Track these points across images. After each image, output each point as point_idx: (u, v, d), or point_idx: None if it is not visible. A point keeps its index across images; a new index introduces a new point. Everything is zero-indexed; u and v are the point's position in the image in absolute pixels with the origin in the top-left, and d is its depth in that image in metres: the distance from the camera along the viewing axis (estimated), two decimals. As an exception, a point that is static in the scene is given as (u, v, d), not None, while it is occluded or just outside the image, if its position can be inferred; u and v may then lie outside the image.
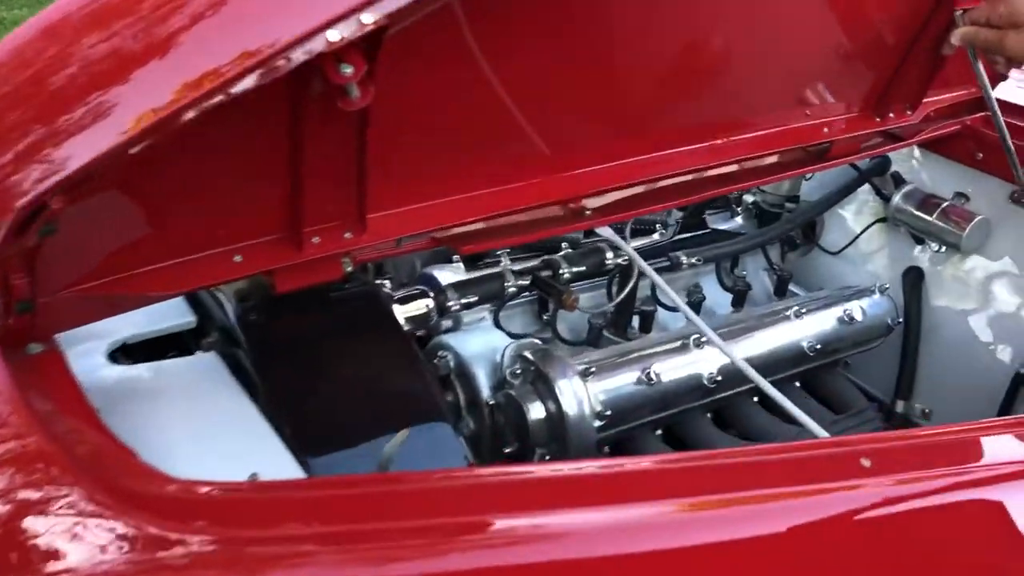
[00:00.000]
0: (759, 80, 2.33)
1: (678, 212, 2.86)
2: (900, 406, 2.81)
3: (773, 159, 2.51)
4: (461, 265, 2.43)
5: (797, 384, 2.63)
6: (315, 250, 1.76)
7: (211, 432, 1.57)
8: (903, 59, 2.47)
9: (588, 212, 2.16)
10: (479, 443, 2.20)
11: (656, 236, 2.80)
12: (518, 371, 2.12)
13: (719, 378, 2.27)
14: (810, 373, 2.63)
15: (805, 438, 2.35)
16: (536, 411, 2.06)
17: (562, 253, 2.34)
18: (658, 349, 2.26)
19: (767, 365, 2.42)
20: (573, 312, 2.20)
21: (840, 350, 2.59)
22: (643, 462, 1.52)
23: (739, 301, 2.73)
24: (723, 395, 2.33)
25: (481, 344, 2.23)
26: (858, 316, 2.56)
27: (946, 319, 2.79)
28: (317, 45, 1.33)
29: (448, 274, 2.41)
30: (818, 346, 2.48)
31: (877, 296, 2.66)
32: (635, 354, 2.23)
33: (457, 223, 1.96)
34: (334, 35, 1.34)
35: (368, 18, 1.35)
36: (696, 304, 2.60)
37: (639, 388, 2.18)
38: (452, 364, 2.21)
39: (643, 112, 2.19)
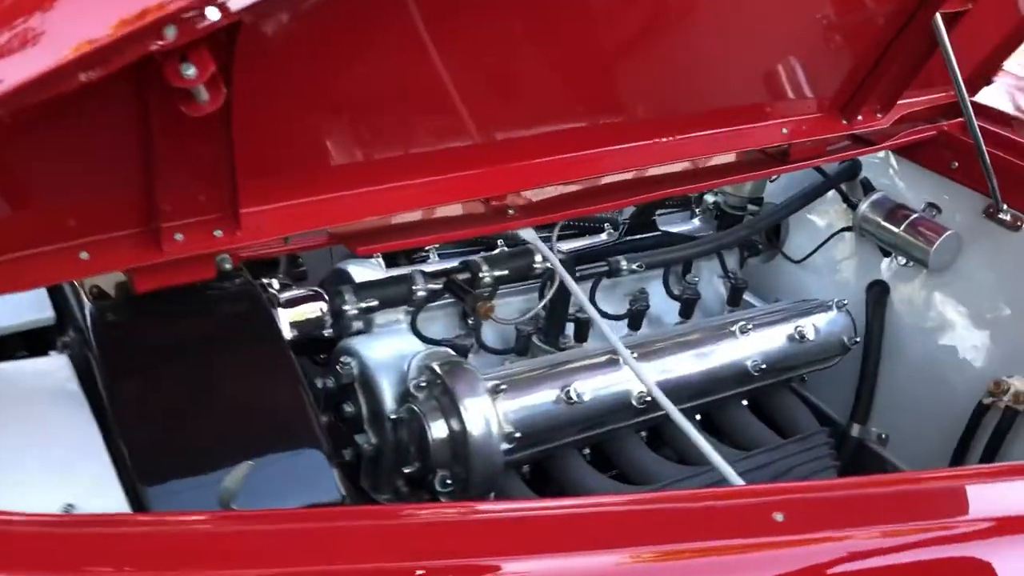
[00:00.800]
0: (715, 74, 2.13)
1: (629, 211, 2.66)
2: (856, 430, 2.62)
3: (727, 159, 2.31)
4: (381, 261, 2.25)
5: (744, 403, 2.45)
6: (178, 248, 1.56)
7: (36, 450, 1.39)
8: (879, 58, 2.25)
9: (512, 212, 1.97)
10: (380, 460, 2.02)
11: (603, 236, 2.61)
12: (423, 383, 1.94)
13: (649, 397, 2.08)
14: (759, 390, 2.45)
15: (741, 465, 2.18)
16: (438, 429, 1.88)
17: (483, 255, 2.14)
18: (582, 364, 2.08)
19: (705, 383, 2.24)
20: (487, 320, 2.01)
21: (790, 369, 2.40)
22: (504, 507, 1.34)
23: (687, 311, 2.54)
24: (655, 415, 2.15)
25: (391, 350, 2.05)
26: (810, 334, 2.37)
27: (910, 339, 2.59)
28: (150, 42, 1.14)
29: (367, 271, 2.22)
30: (763, 365, 2.29)
31: (834, 312, 2.46)
32: (556, 369, 2.04)
33: (354, 220, 1.77)
34: (171, 33, 1.14)
35: (214, 14, 1.16)
36: (639, 313, 2.41)
37: (557, 407, 2.00)
38: (356, 371, 2.02)
39: (581, 101, 1.98)
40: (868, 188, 2.68)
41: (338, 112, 1.64)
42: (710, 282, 2.72)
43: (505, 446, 1.90)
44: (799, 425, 2.44)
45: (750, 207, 2.86)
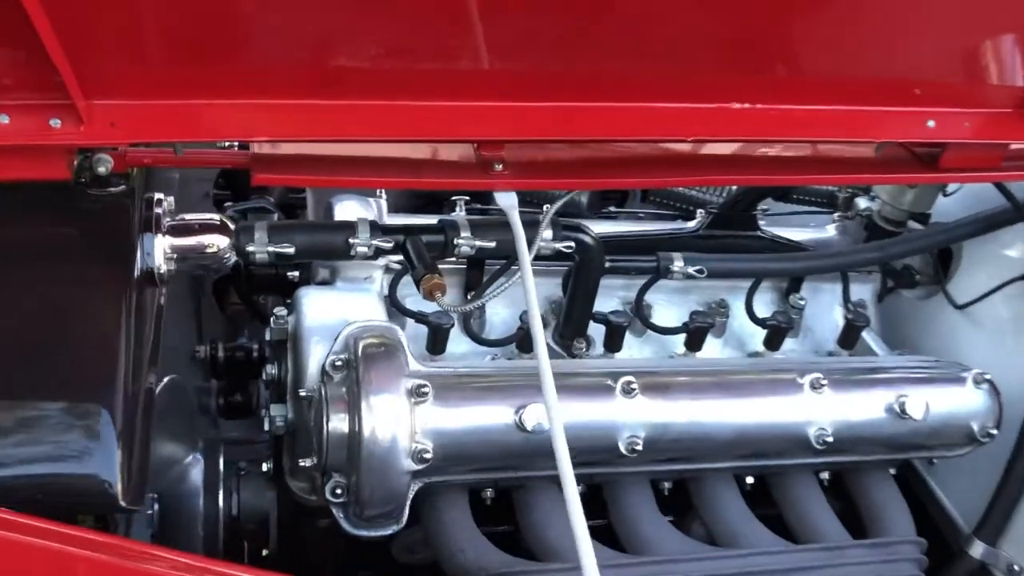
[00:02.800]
0: (834, 18, 1.51)
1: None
2: (978, 549, 1.91)
3: (834, 150, 1.68)
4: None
5: (823, 476, 1.84)
6: (5, 133, 1.24)
7: None
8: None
9: (500, 167, 1.48)
10: (295, 439, 1.64)
11: (691, 224, 2.05)
12: (339, 362, 1.53)
13: (638, 445, 1.56)
14: (846, 467, 1.84)
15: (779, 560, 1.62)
16: (338, 423, 1.47)
17: (467, 216, 1.66)
18: (563, 383, 1.57)
19: (740, 443, 1.67)
20: (431, 300, 1.54)
21: (881, 451, 1.76)
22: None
23: (773, 341, 1.93)
24: (649, 469, 1.62)
25: (339, 311, 1.65)
26: (917, 411, 1.71)
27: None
28: None
29: (363, 210, 1.83)
30: (831, 438, 1.67)
31: (968, 386, 1.78)
32: (518, 381, 1.56)
33: (256, 137, 1.37)
34: None
35: None
36: (697, 331, 1.85)
37: (505, 433, 1.52)
38: (291, 328, 1.65)
39: (616, 32, 1.45)
40: (1074, 228, 1.92)
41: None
42: (829, 310, 2.09)
43: (412, 466, 1.46)
44: (884, 525, 1.80)
45: (911, 224, 2.17)
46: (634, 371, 1.61)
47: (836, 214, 2.25)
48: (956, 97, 1.59)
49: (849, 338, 1.97)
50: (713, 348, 1.99)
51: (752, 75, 1.50)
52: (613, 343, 1.84)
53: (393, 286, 1.74)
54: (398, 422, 1.45)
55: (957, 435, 1.78)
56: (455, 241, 1.60)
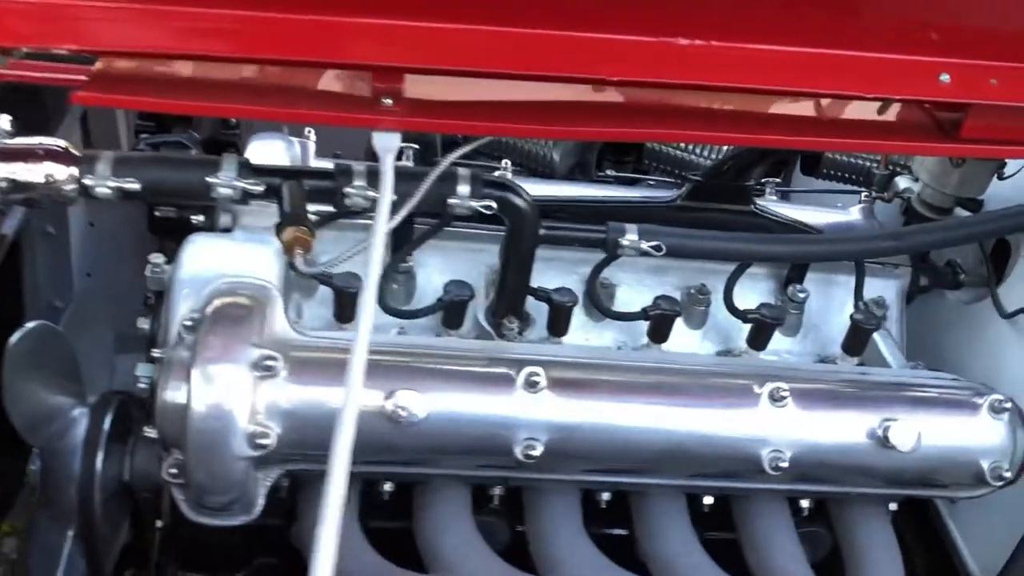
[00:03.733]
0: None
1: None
2: (991, 611, 1.56)
3: (830, 108, 1.35)
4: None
5: (805, 505, 1.54)
6: None
7: None
8: None
9: (390, 102, 1.23)
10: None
11: (668, 193, 1.74)
12: (189, 323, 1.31)
13: (535, 449, 1.29)
14: (828, 496, 1.53)
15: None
16: (172, 393, 1.26)
17: (369, 164, 1.39)
18: (457, 368, 1.32)
19: (672, 460, 1.38)
20: (295, 259, 1.29)
21: (858, 483, 1.44)
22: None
23: (757, 339, 1.61)
24: (549, 478, 1.36)
25: (223, 264, 1.43)
26: (904, 441, 1.37)
27: None
28: None
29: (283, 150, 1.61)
30: (785, 463, 1.36)
31: (982, 414, 1.43)
32: (397, 360, 1.31)
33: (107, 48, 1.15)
34: None
35: None
36: (661, 320, 1.54)
37: (372, 420, 1.27)
38: (167, 279, 1.44)
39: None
40: None
41: None
42: (841, 308, 1.75)
43: (247, 451, 1.23)
44: (861, 571, 1.48)
45: (958, 211, 1.80)
46: (544, 361, 1.33)
47: (869, 194, 1.90)
48: (979, 46, 1.23)
49: (855, 342, 1.63)
50: (690, 342, 1.68)
51: (704, 4, 1.19)
52: (557, 326, 1.56)
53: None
54: (235, 398, 1.22)
55: (960, 474, 1.44)
56: (345, 190, 1.35)
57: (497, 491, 1.49)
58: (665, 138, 1.74)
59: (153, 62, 1.22)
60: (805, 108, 1.37)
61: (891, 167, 1.92)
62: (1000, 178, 1.76)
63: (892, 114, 1.38)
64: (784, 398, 1.36)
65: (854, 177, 2.02)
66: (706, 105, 1.29)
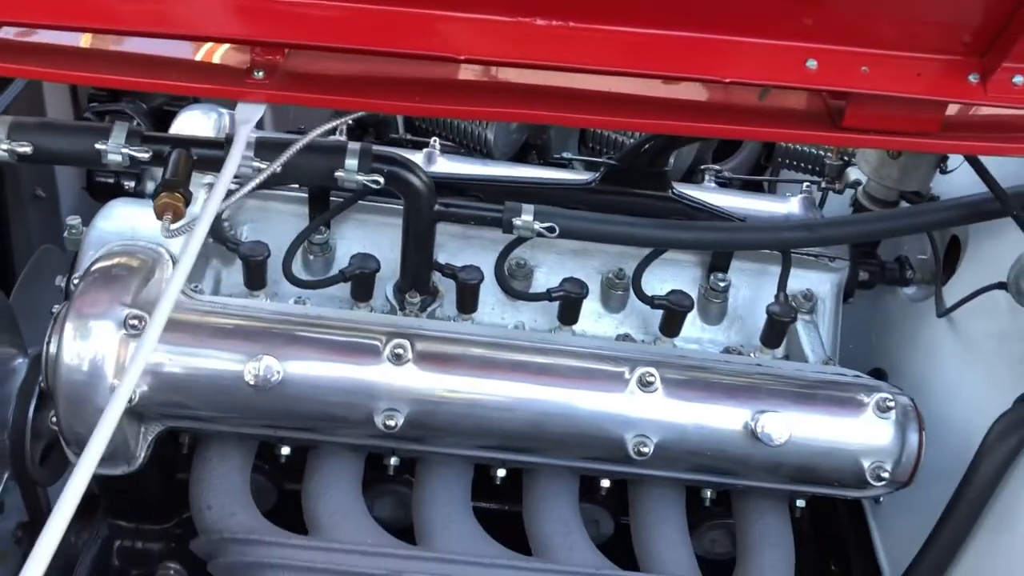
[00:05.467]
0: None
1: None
2: (893, 612, 1.52)
3: (714, 93, 1.32)
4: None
5: (708, 494, 1.53)
6: None
7: None
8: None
9: (260, 75, 1.26)
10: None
11: (585, 176, 1.73)
12: (77, 282, 1.38)
13: (394, 420, 1.32)
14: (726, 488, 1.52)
15: None
16: (51, 347, 1.33)
17: (260, 135, 1.41)
18: (314, 334, 1.35)
19: (537, 439, 1.39)
20: (163, 224, 1.33)
21: (725, 475, 1.43)
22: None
23: (669, 326, 1.59)
24: (414, 449, 1.39)
25: (134, 227, 1.50)
26: (775, 434, 1.35)
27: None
28: None
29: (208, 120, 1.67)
30: (647, 449, 1.35)
31: (868, 414, 1.39)
32: (262, 328, 1.35)
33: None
34: None
35: None
36: (569, 302, 1.54)
37: (231, 384, 1.32)
38: (81, 238, 1.52)
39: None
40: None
41: None
42: (771, 299, 1.71)
43: (114, 405, 1.30)
44: (748, 565, 1.46)
45: (903, 205, 1.74)
46: (413, 334, 1.36)
47: (818, 184, 1.85)
48: (849, 32, 1.19)
49: (772, 334, 1.60)
50: (609, 326, 1.68)
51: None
52: (466, 303, 1.58)
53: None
54: (100, 353, 1.29)
55: (841, 472, 1.40)
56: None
57: (392, 461, 1.52)
58: (525, 119, 1.73)
59: (41, 32, 1.28)
60: (694, 92, 1.35)
61: (844, 158, 1.86)
62: (942, 172, 1.70)
63: (784, 101, 1.34)
64: (651, 383, 1.35)
65: (810, 167, 1.97)
66: (576, 87, 1.28)
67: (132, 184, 1.69)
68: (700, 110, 1.34)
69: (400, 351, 1.33)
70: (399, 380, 1.34)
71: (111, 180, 1.72)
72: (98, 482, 1.68)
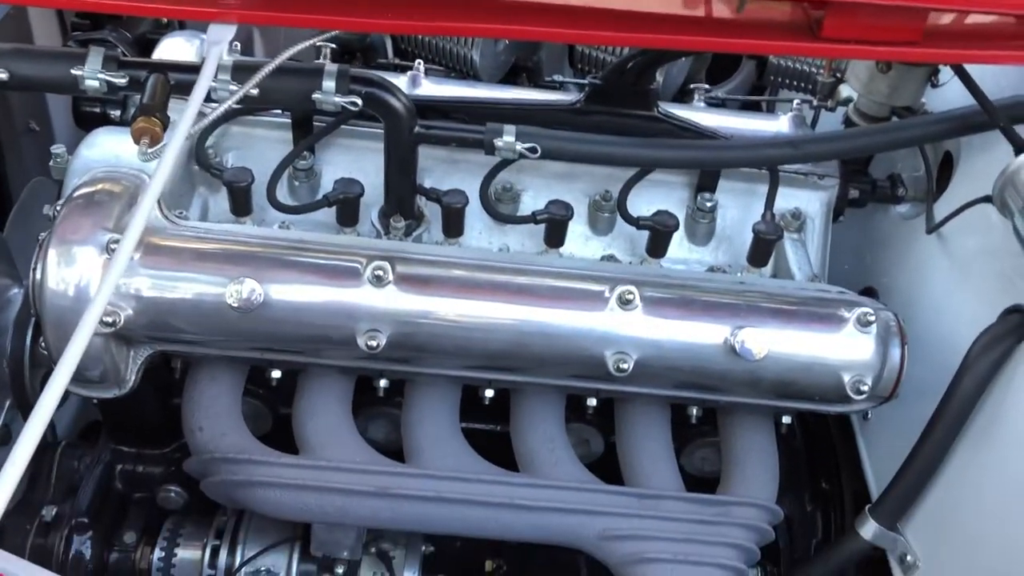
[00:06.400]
0: None
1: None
2: (870, 530, 1.53)
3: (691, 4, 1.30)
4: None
5: (694, 412, 1.55)
6: None
7: None
8: None
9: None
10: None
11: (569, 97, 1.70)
12: (59, 208, 1.39)
13: (376, 340, 1.34)
14: (711, 405, 1.54)
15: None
16: (37, 272, 1.35)
17: (236, 59, 1.39)
18: (305, 260, 1.36)
19: (518, 358, 1.40)
20: (140, 148, 1.34)
21: (699, 390, 1.44)
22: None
23: (655, 246, 1.60)
24: (401, 370, 1.41)
25: (119, 154, 1.51)
26: (753, 350, 1.35)
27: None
28: None
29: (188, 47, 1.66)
30: (626, 365, 1.36)
31: (849, 328, 1.39)
32: (247, 251, 1.36)
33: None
34: None
35: None
36: (554, 224, 1.54)
37: (214, 307, 1.34)
38: (65, 167, 1.53)
39: None
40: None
41: None
42: (746, 218, 1.70)
43: (98, 327, 1.32)
44: (733, 479, 1.49)
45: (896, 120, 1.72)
46: (394, 256, 1.37)
47: (810, 102, 1.82)
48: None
49: (758, 253, 1.59)
50: (595, 248, 1.68)
51: None
52: (451, 227, 1.58)
53: (203, 137, 1.58)
54: (82, 278, 1.30)
55: (822, 387, 1.40)
56: (211, 84, 1.39)
57: (381, 383, 1.54)
58: (506, 34, 1.71)
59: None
60: (673, 6, 1.33)
61: (836, 75, 1.83)
62: (933, 86, 1.67)
63: (765, 13, 1.32)
64: (631, 301, 1.35)
65: (802, 85, 1.94)
66: (554, 1, 1.26)
67: (118, 113, 1.68)
68: (679, 23, 1.32)
69: (381, 273, 1.34)
70: (380, 302, 1.35)
71: (97, 109, 1.72)
72: (99, 407, 1.72)
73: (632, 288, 1.36)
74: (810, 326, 1.40)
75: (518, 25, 1.27)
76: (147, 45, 1.83)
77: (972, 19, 1.31)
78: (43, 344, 1.40)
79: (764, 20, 1.32)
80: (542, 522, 1.40)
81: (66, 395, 1.80)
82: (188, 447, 1.53)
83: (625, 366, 1.35)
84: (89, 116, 1.72)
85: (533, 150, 1.46)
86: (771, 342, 1.36)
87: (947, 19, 1.30)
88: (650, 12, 1.31)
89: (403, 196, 1.56)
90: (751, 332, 1.35)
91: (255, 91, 1.36)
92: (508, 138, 1.46)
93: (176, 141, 1.13)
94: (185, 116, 1.15)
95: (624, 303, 1.36)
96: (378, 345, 1.34)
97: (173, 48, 1.66)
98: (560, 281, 1.39)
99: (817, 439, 1.80)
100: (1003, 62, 1.34)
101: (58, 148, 1.54)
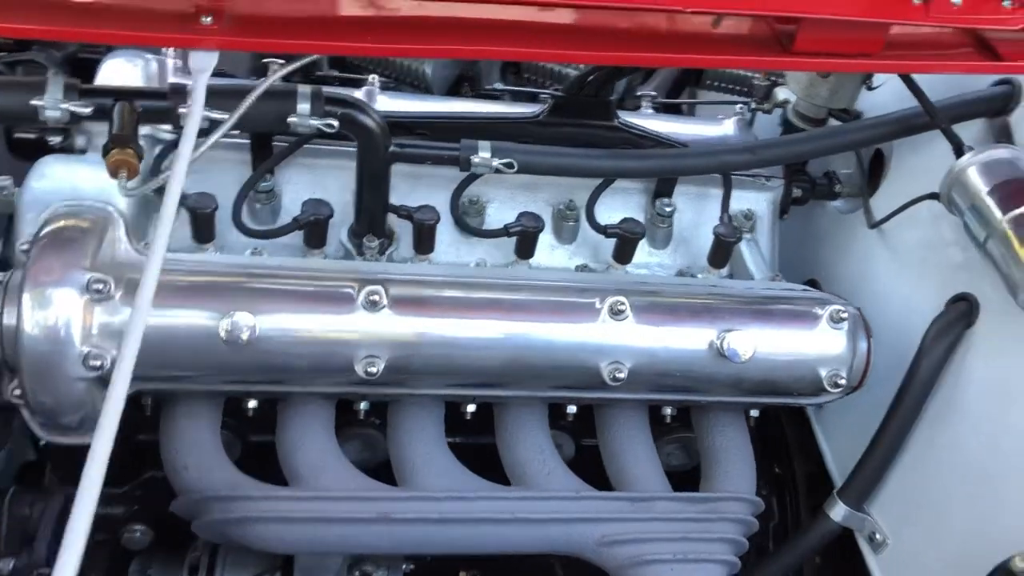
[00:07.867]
0: None
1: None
2: (839, 512, 1.62)
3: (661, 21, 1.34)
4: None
5: (668, 411, 1.59)
6: None
7: None
8: None
9: (209, 20, 1.20)
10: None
11: (532, 109, 1.72)
12: (25, 247, 1.32)
13: (375, 366, 1.33)
14: (687, 404, 1.59)
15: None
16: (8, 317, 1.27)
17: (218, 82, 1.35)
18: (286, 286, 1.34)
19: (512, 374, 1.41)
20: (119, 182, 1.29)
21: (693, 392, 1.49)
22: None
23: (621, 253, 1.63)
24: (390, 392, 1.41)
25: (74, 185, 1.43)
26: (740, 351, 1.41)
27: (984, 412, 1.50)
28: None
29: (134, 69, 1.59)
30: (622, 374, 1.40)
31: (822, 325, 1.47)
32: (231, 283, 1.32)
33: None
34: None
35: None
36: (525, 236, 1.56)
37: (207, 342, 1.30)
38: (13, 199, 1.44)
39: None
40: (1006, 137, 1.54)
41: None
42: (713, 221, 1.76)
43: (84, 372, 1.26)
44: (716, 476, 1.55)
45: (832, 123, 1.81)
46: (385, 279, 1.35)
47: (748, 106, 1.90)
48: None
49: (718, 255, 1.66)
50: (562, 257, 1.71)
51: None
52: (422, 243, 1.57)
53: (159, 159, 1.52)
54: (65, 321, 1.24)
55: (801, 382, 1.48)
56: (180, 110, 1.34)
57: (362, 406, 1.52)
58: (484, 56, 1.73)
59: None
60: (638, 22, 1.36)
61: (771, 78, 1.92)
62: (868, 89, 1.77)
63: (733, 28, 1.37)
64: (622, 311, 1.39)
65: (738, 88, 2.02)
66: (528, 19, 1.28)
67: (57, 140, 1.59)
68: (649, 40, 1.35)
69: (375, 297, 1.33)
70: (377, 326, 1.34)
71: (32, 136, 1.62)
72: (46, 452, 1.63)
73: (622, 299, 1.39)
74: (788, 325, 1.46)
75: (499, 47, 1.28)
76: (78, 65, 1.74)
77: (923, 31, 1.40)
78: (15, 390, 1.32)
79: (732, 35, 1.38)
80: (543, 533, 1.42)
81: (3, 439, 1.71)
82: (153, 484, 1.48)
83: (621, 375, 1.39)
84: (25, 143, 1.62)
85: (510, 165, 1.47)
86: (755, 343, 1.42)
87: (900, 31, 1.38)
88: (620, 29, 1.34)
89: (375, 215, 1.54)
90: (737, 335, 1.41)
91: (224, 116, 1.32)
92: (484, 154, 1.47)
93: (178, 174, 1.09)
94: (183, 147, 1.11)
95: (616, 313, 1.39)
96: (377, 371, 1.33)
97: (119, 71, 1.58)
98: (553, 295, 1.41)
99: (766, 426, 1.88)
100: (951, 71, 1.44)
101: (4, 180, 1.45)
